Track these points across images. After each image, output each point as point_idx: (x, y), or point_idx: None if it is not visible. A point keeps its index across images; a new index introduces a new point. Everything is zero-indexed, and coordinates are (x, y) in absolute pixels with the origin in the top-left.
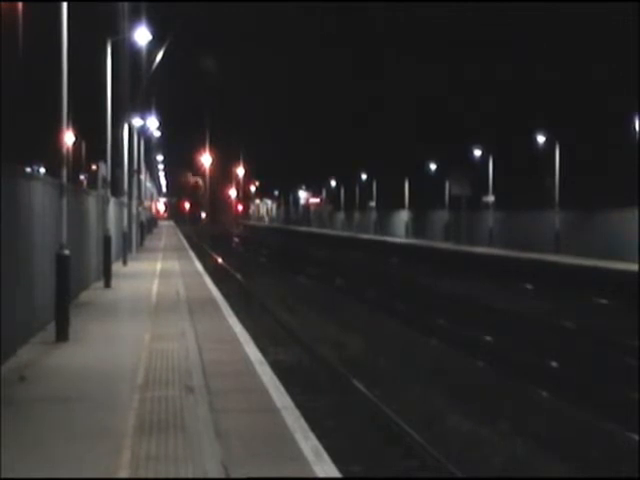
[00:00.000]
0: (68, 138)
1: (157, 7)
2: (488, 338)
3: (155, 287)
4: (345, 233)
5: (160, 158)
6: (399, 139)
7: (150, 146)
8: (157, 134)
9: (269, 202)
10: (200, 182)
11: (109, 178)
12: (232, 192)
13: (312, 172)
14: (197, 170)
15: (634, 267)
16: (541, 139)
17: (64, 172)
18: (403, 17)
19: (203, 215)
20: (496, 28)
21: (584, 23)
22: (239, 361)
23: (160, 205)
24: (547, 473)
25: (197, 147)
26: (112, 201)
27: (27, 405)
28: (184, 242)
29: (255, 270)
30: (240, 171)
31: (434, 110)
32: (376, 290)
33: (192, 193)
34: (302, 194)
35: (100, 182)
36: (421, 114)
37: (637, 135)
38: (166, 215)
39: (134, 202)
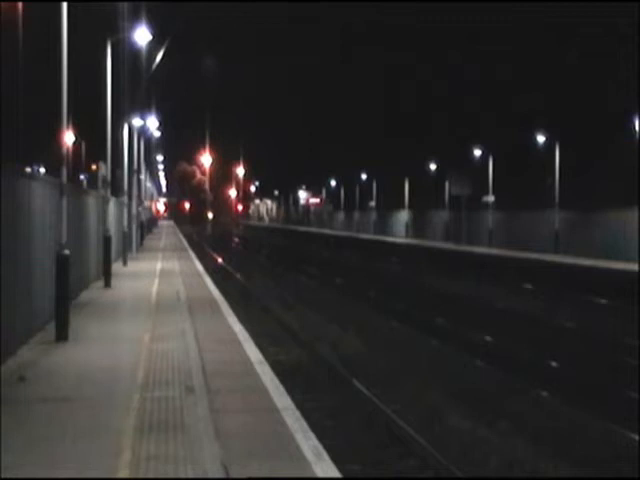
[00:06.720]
0: (68, 138)
1: (157, 7)
2: (487, 337)
3: (155, 287)
4: (345, 233)
5: (160, 158)
6: (399, 139)
7: (150, 146)
8: (157, 134)
9: (269, 202)
10: (199, 175)
11: (109, 178)
12: (232, 192)
13: (312, 172)
14: (197, 169)
15: (634, 267)
16: (541, 139)
17: (64, 172)
18: (400, 19)
19: (210, 215)
20: (495, 28)
21: (584, 24)
22: (239, 361)
23: (160, 205)
24: (547, 473)
25: (197, 147)
26: (112, 201)
27: (27, 405)
28: (184, 242)
29: (255, 270)
30: (240, 171)
31: (434, 110)
32: (376, 290)
33: (194, 192)
34: (302, 194)
35: (100, 182)
36: (421, 113)
37: (637, 135)
38: (166, 215)
39: (134, 202)
